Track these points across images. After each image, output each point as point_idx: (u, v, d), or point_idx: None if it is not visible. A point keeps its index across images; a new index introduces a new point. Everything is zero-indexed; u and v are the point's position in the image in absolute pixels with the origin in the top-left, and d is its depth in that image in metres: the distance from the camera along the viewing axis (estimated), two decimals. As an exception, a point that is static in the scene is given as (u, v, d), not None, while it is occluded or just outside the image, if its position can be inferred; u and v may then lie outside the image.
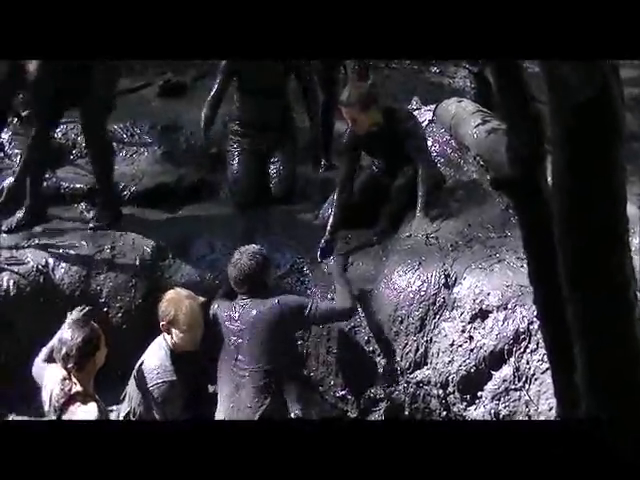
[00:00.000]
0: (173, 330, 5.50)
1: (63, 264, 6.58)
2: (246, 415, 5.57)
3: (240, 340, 5.72)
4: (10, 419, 6.04)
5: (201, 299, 5.71)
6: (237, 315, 5.78)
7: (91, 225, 6.97)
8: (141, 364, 5.51)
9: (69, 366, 4.61)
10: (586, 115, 1.76)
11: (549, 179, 1.99)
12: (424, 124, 7.46)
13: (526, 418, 5.33)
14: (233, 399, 5.67)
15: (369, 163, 6.95)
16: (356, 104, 6.40)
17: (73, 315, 5.08)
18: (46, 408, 4.79)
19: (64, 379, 4.63)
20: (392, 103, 7.43)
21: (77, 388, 4.61)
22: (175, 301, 5.56)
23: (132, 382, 5.52)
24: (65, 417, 4.59)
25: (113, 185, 7.20)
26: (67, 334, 4.68)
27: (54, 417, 4.66)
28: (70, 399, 4.59)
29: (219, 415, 5.72)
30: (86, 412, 4.54)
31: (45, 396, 4.80)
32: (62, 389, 4.61)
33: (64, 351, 4.61)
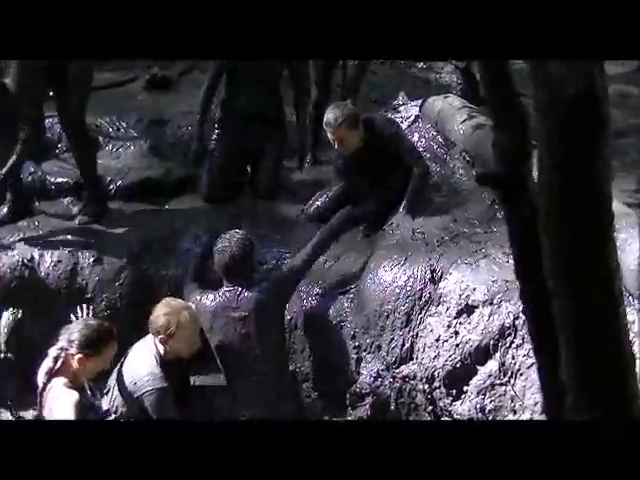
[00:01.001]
0: (170, 341, 5.46)
1: (48, 258, 6.57)
2: (261, 401, 5.71)
3: (243, 327, 5.78)
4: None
5: (193, 306, 5.71)
6: (235, 303, 5.79)
7: (77, 220, 6.95)
8: (125, 367, 5.49)
9: (70, 351, 4.76)
10: (572, 111, 1.77)
11: (535, 175, 2.00)
12: (410, 120, 7.49)
13: (511, 413, 5.35)
14: (245, 387, 5.76)
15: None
16: (344, 123, 6.38)
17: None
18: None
19: (55, 358, 4.75)
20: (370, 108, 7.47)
21: (64, 372, 4.74)
22: (173, 314, 5.46)
23: (115, 382, 5.49)
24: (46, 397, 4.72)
25: (98, 180, 7.17)
26: (76, 326, 4.95)
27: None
28: (53, 376, 4.73)
29: (236, 409, 5.77)
30: (57, 401, 4.65)
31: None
32: (51, 365, 4.74)
33: (67, 336, 4.80)
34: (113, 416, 5.25)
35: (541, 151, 1.86)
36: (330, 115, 6.45)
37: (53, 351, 4.79)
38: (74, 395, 4.62)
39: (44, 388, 4.72)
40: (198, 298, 5.90)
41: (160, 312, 5.50)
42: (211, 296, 5.88)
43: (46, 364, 4.78)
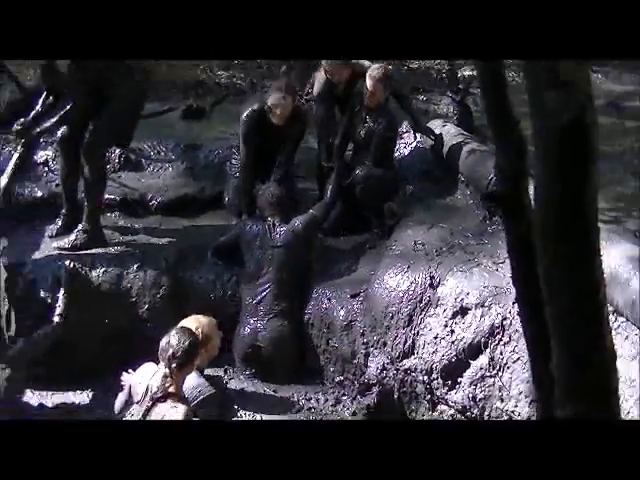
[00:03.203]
0: (205, 353, 5.36)
1: (99, 265, 6.56)
2: (264, 318, 6.19)
3: (273, 254, 6.29)
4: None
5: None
6: (273, 234, 6.39)
7: (68, 244, 6.59)
8: None
9: (172, 366, 4.50)
10: (564, 137, 1.76)
11: (531, 193, 1.99)
12: (413, 145, 7.47)
13: (499, 401, 5.33)
14: (255, 307, 6.24)
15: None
16: (382, 82, 6.77)
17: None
18: (136, 399, 4.64)
19: (165, 376, 4.50)
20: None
21: (173, 389, 4.51)
22: (213, 328, 5.44)
23: None
24: (154, 412, 4.46)
25: (98, 210, 6.78)
26: (173, 339, 4.59)
27: (142, 409, 4.51)
28: (165, 396, 4.47)
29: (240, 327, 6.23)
30: (175, 413, 4.44)
31: (139, 389, 4.63)
32: (163, 384, 4.47)
33: (170, 352, 4.52)
34: None
35: (537, 173, 1.85)
36: (374, 73, 6.72)
37: (158, 379, 4.53)
38: (182, 410, 4.44)
39: (149, 410, 4.48)
40: (244, 227, 6.53)
41: (203, 325, 5.38)
42: (255, 228, 6.43)
43: (154, 381, 4.53)
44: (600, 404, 1.93)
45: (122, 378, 4.96)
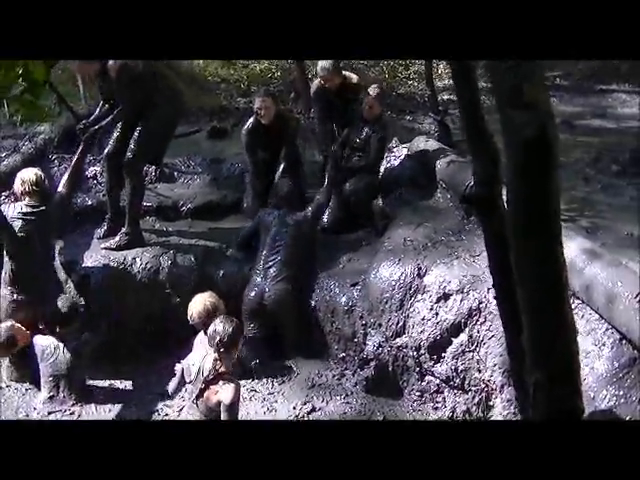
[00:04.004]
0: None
1: (139, 261, 6.55)
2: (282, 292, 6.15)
3: (282, 241, 6.30)
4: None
5: None
6: (287, 218, 6.43)
7: (114, 244, 6.58)
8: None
9: (221, 350, 4.46)
10: (529, 149, 1.75)
11: (504, 195, 1.98)
12: (401, 157, 7.48)
13: (477, 372, 5.31)
14: (264, 271, 6.22)
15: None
16: (379, 97, 6.97)
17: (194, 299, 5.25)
18: (188, 379, 4.62)
19: (215, 360, 4.47)
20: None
21: (223, 369, 4.46)
22: (217, 300, 5.34)
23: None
24: (208, 392, 4.42)
25: (138, 215, 6.79)
26: (220, 327, 4.52)
27: (196, 389, 4.47)
28: (217, 376, 4.44)
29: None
30: (227, 391, 4.39)
31: (192, 369, 4.60)
32: (214, 367, 4.44)
33: (218, 338, 4.46)
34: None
35: (508, 179, 1.84)
36: (372, 91, 6.93)
37: (209, 362, 4.46)
38: (233, 388, 4.38)
39: (203, 390, 4.42)
40: (262, 215, 6.56)
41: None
42: (272, 215, 6.50)
43: (207, 364, 4.47)
44: (564, 371, 1.92)
45: (176, 367, 4.90)
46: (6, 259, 5.97)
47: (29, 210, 5.95)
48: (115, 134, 6.67)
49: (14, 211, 5.94)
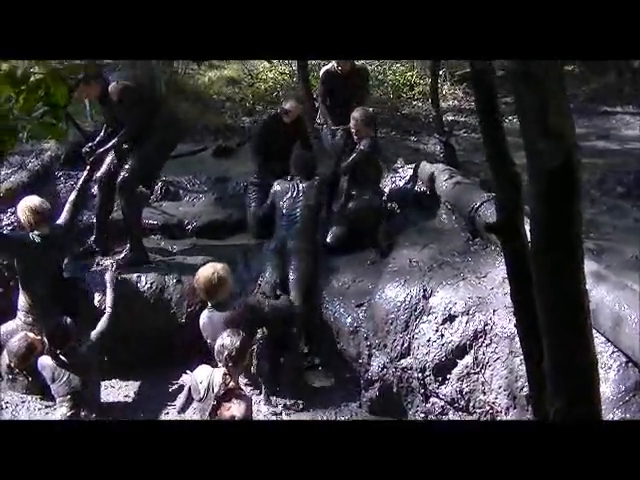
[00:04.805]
0: (221, 292, 5.69)
1: (144, 279, 6.56)
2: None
3: (297, 209, 6.43)
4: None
5: None
6: (299, 188, 6.53)
7: (115, 265, 6.52)
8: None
9: (229, 365, 4.43)
10: (554, 178, 1.76)
11: (526, 222, 1.99)
12: (406, 178, 7.50)
13: (482, 394, 5.30)
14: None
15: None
16: (363, 121, 6.95)
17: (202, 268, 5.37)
18: (197, 397, 4.56)
19: (225, 374, 4.44)
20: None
21: (232, 384, 4.43)
22: (227, 272, 5.70)
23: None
24: (220, 409, 4.38)
25: (139, 233, 6.84)
26: (227, 340, 4.52)
27: (207, 407, 4.40)
28: (228, 392, 4.40)
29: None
30: (239, 406, 4.35)
31: (200, 388, 4.54)
32: (224, 382, 4.41)
33: (226, 353, 4.44)
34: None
35: (531, 205, 1.85)
36: (356, 114, 6.97)
37: (218, 377, 4.42)
38: (244, 406, 4.36)
39: (216, 409, 4.38)
40: (277, 186, 6.62)
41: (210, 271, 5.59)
42: (286, 185, 6.58)
43: (216, 379, 4.45)
44: (583, 400, 1.91)
45: (182, 380, 4.88)
46: (20, 285, 6.17)
47: (40, 241, 6.10)
48: (110, 156, 6.74)
49: (27, 240, 6.09)
